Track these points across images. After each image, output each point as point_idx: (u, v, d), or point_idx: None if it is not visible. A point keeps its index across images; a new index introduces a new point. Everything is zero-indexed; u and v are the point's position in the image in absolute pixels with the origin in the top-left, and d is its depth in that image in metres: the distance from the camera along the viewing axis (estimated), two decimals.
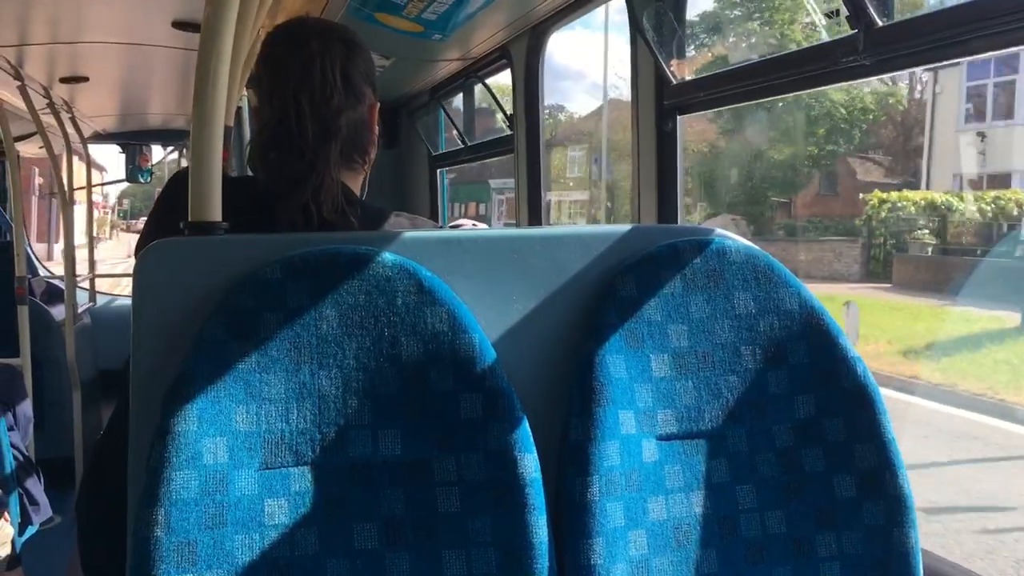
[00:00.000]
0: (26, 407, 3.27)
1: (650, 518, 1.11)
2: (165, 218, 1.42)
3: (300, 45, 1.43)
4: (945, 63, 1.30)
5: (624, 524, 1.08)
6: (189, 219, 1.12)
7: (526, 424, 1.07)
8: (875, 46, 1.35)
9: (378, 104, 1.50)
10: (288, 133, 1.39)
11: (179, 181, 1.46)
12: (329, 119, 1.40)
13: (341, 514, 1.02)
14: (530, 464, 1.06)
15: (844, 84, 1.48)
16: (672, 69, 1.90)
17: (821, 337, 1.18)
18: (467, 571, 1.03)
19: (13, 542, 2.86)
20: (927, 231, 16.97)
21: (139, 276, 1.05)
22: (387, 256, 1.08)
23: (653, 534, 1.10)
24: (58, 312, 4.22)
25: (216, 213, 1.12)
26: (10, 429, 3.12)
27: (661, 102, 1.92)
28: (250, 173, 1.50)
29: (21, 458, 3.13)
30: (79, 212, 5.60)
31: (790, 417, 1.17)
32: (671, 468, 1.13)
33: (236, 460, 0.99)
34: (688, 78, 1.88)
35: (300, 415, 1.03)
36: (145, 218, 1.54)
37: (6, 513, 2.82)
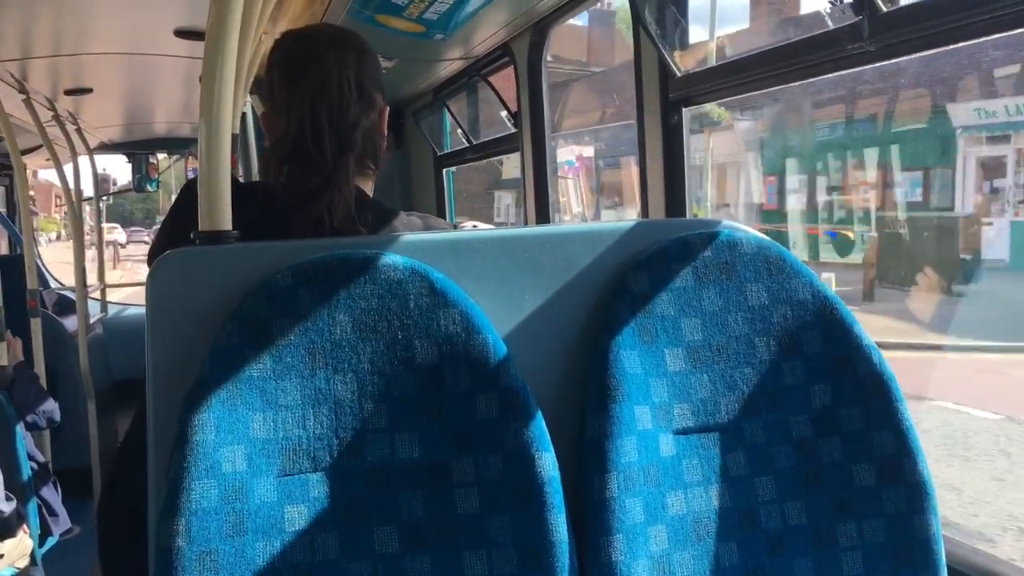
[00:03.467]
0: (46, 408, 3.27)
1: (669, 513, 1.11)
2: (179, 227, 1.42)
3: (316, 57, 1.43)
4: (950, 47, 1.29)
5: (644, 520, 1.08)
6: (199, 228, 1.13)
7: (542, 422, 1.07)
8: (880, 32, 1.34)
9: (387, 108, 1.50)
10: (306, 147, 1.39)
11: (192, 189, 1.46)
12: (347, 132, 1.41)
13: (361, 518, 1.02)
14: (548, 462, 1.06)
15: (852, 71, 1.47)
16: (676, 61, 1.90)
17: (835, 326, 1.18)
18: (488, 571, 1.03)
19: (33, 554, 2.87)
20: None
21: (152, 286, 1.06)
22: (398, 259, 1.08)
23: (673, 529, 1.10)
24: (70, 323, 4.24)
25: (226, 222, 1.13)
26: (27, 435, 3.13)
27: (666, 95, 1.91)
28: (256, 179, 1.50)
29: (37, 467, 3.14)
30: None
31: (806, 407, 1.17)
32: (689, 462, 1.13)
33: (254, 468, 1.00)
34: (693, 70, 1.87)
35: (316, 421, 1.03)
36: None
37: (25, 525, 2.83)
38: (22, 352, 3.35)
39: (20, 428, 2.99)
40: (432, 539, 1.03)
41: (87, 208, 5.80)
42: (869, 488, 1.15)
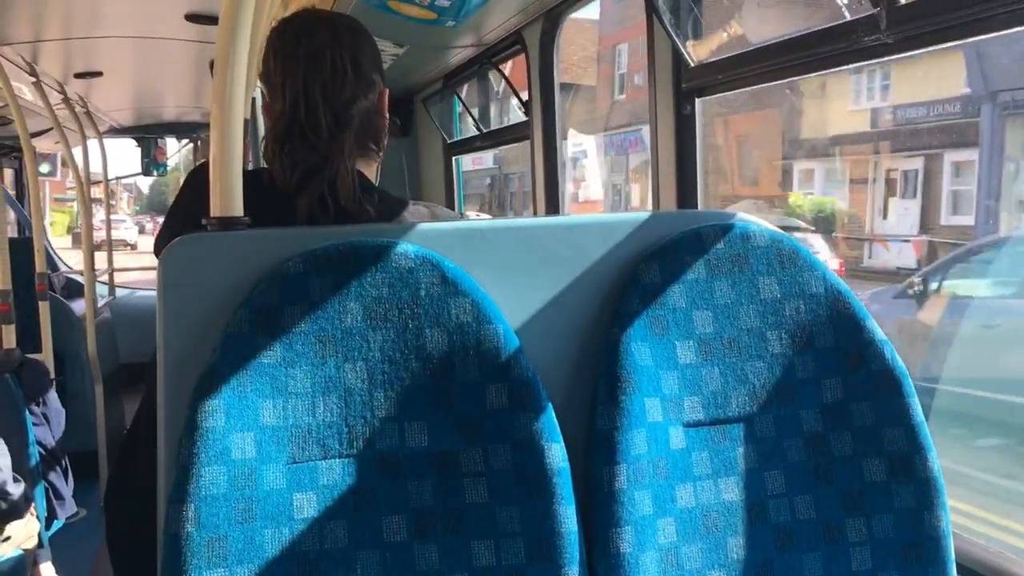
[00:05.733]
0: (54, 400, 3.30)
1: (678, 506, 1.10)
2: (187, 213, 1.42)
3: (308, 36, 1.43)
4: (970, 40, 1.28)
5: (652, 512, 1.08)
6: (210, 214, 1.12)
7: (552, 413, 1.07)
8: (897, 24, 1.33)
9: (387, 90, 1.50)
10: (302, 125, 1.39)
11: (199, 175, 1.46)
12: (342, 109, 1.41)
13: (370, 507, 1.02)
14: (557, 453, 1.05)
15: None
16: (689, 51, 1.88)
17: (847, 320, 1.17)
18: (496, 561, 1.03)
19: (40, 536, 2.88)
20: None
21: (163, 272, 1.05)
22: (409, 248, 1.08)
23: (682, 522, 1.10)
24: (78, 307, 4.25)
25: (238, 207, 1.12)
26: (38, 424, 3.15)
27: (679, 85, 1.90)
28: (264, 165, 1.50)
29: (45, 453, 3.15)
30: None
31: (818, 401, 1.16)
32: (698, 455, 1.13)
33: (264, 455, 0.99)
34: (707, 60, 1.86)
35: (326, 409, 1.03)
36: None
37: (32, 507, 2.85)
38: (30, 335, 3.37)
39: (30, 415, 3.00)
40: (440, 528, 1.03)
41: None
42: (879, 483, 1.14)
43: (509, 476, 1.04)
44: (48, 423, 3.25)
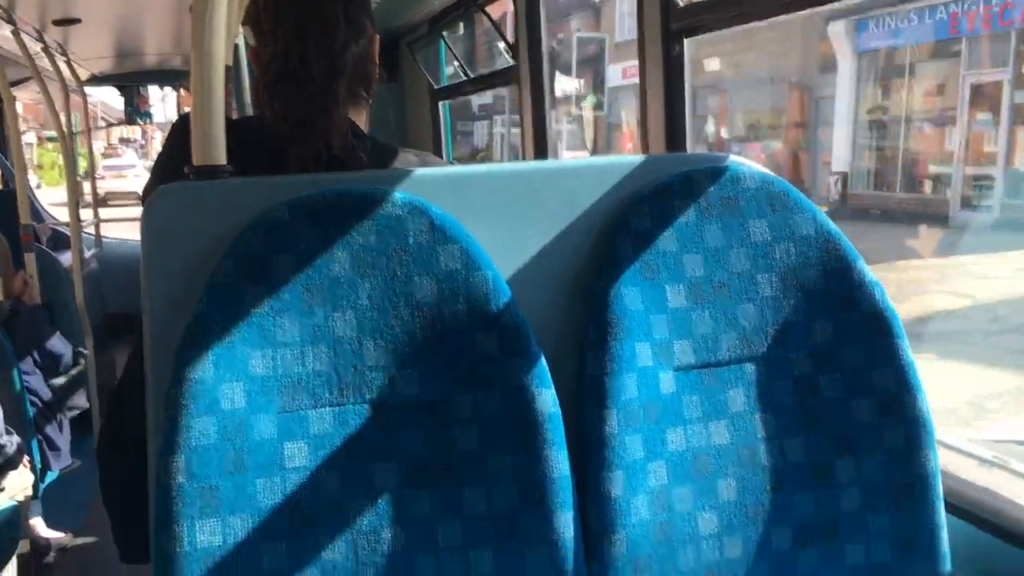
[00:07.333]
0: (55, 344, 3.30)
1: (669, 449, 1.11)
2: (172, 162, 1.40)
3: None
4: None
5: (643, 456, 1.08)
6: (193, 163, 1.10)
7: (543, 360, 1.07)
8: None
9: (377, 36, 1.47)
10: (294, 72, 1.37)
11: (185, 124, 1.44)
12: (335, 56, 1.38)
13: (361, 455, 1.02)
14: (548, 399, 1.05)
15: None
16: None
17: (838, 262, 1.17)
18: (488, 508, 1.03)
19: (35, 487, 2.90)
20: None
21: (147, 223, 1.04)
22: (397, 195, 1.06)
23: (673, 465, 1.10)
24: (65, 258, 4.23)
25: (221, 156, 1.10)
26: (31, 374, 3.14)
27: (667, 25, 1.87)
28: (250, 113, 1.47)
29: (40, 404, 3.16)
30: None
31: (807, 344, 1.16)
32: (689, 399, 1.13)
33: (254, 404, 0.99)
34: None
35: (316, 358, 1.02)
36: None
37: (26, 459, 2.85)
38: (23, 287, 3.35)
39: (20, 365, 2.99)
40: (432, 476, 1.03)
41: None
42: (868, 424, 1.15)
43: (500, 423, 1.04)
44: (42, 372, 3.25)
